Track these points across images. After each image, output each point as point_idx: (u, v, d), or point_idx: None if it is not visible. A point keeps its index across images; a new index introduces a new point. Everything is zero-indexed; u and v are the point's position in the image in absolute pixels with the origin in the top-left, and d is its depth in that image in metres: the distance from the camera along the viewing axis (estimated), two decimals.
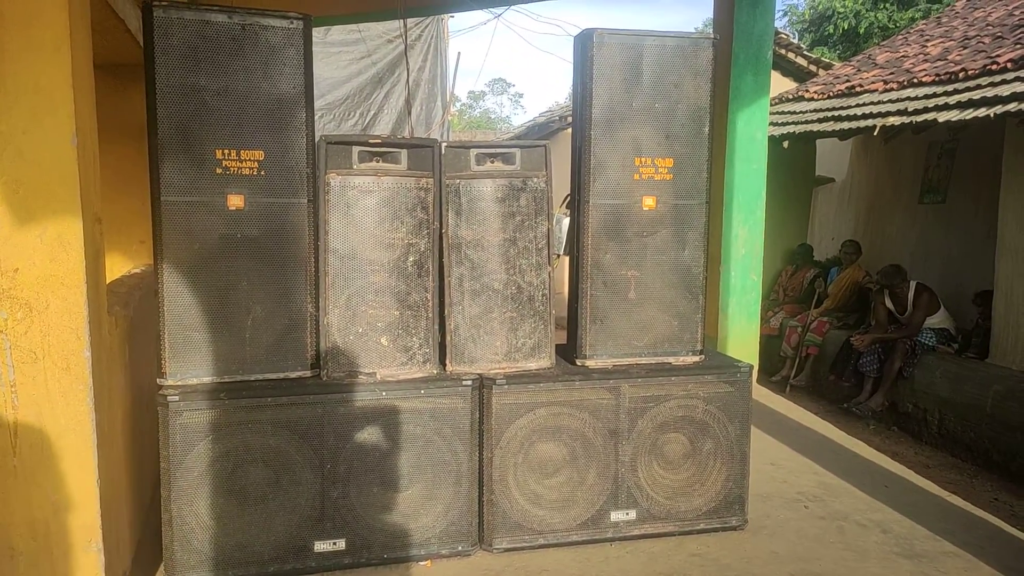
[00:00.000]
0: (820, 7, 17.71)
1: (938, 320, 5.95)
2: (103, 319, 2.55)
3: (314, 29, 2.85)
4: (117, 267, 4.22)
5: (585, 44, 3.10)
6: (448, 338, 3.07)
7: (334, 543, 2.90)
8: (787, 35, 11.49)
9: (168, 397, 2.71)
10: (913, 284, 6.06)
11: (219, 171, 2.74)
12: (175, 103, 2.68)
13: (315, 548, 2.89)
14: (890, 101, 6.49)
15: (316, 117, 2.93)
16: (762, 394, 5.77)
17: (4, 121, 2.20)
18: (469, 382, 3.01)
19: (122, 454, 2.80)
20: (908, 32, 9.42)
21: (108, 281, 2.85)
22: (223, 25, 2.70)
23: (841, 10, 16.86)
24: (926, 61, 7.11)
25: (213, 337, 2.80)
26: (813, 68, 10.84)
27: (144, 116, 2.69)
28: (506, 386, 3.03)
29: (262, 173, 2.80)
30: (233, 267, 2.80)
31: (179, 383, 2.77)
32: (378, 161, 2.96)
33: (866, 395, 5.99)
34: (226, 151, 2.74)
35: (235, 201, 2.77)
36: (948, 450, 5.21)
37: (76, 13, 2.28)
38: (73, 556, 2.38)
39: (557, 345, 3.26)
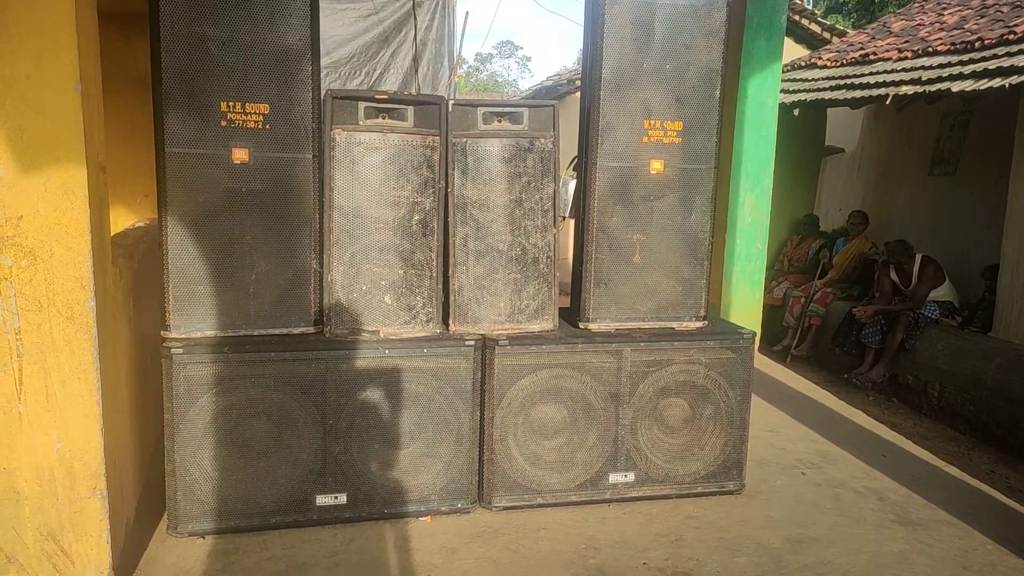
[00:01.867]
0: None
1: (942, 293, 5.93)
2: (107, 269, 2.55)
3: None
4: (121, 220, 4.21)
5: (597, 2, 3.04)
6: (451, 298, 3.07)
7: (335, 497, 2.94)
8: (801, 1, 11.27)
9: (172, 350, 2.72)
10: (919, 256, 6.03)
11: (224, 123, 2.72)
12: (180, 53, 2.64)
13: (317, 501, 2.92)
14: (904, 70, 6.39)
15: (322, 75, 2.89)
16: (763, 363, 5.79)
17: (7, 66, 2.17)
18: (472, 342, 3.02)
19: (126, 404, 2.82)
20: (925, 0, 9.24)
21: (112, 234, 2.84)
22: None
23: None
24: (942, 30, 6.99)
25: (217, 291, 2.80)
26: (827, 35, 10.66)
27: (148, 67, 2.66)
28: (508, 347, 3.04)
29: (267, 127, 2.77)
30: (237, 221, 2.79)
31: (183, 336, 2.78)
32: (384, 117, 2.93)
33: (867, 366, 6.00)
34: (231, 103, 2.71)
35: (240, 154, 2.75)
36: (947, 422, 5.23)
37: None
38: (77, 502, 2.41)
39: (560, 308, 3.25)
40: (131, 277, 2.97)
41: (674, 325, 3.27)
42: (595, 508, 3.18)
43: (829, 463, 3.78)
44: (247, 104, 2.73)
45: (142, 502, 3.03)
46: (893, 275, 6.17)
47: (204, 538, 2.82)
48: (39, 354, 2.32)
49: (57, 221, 2.28)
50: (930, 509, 3.30)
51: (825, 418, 4.54)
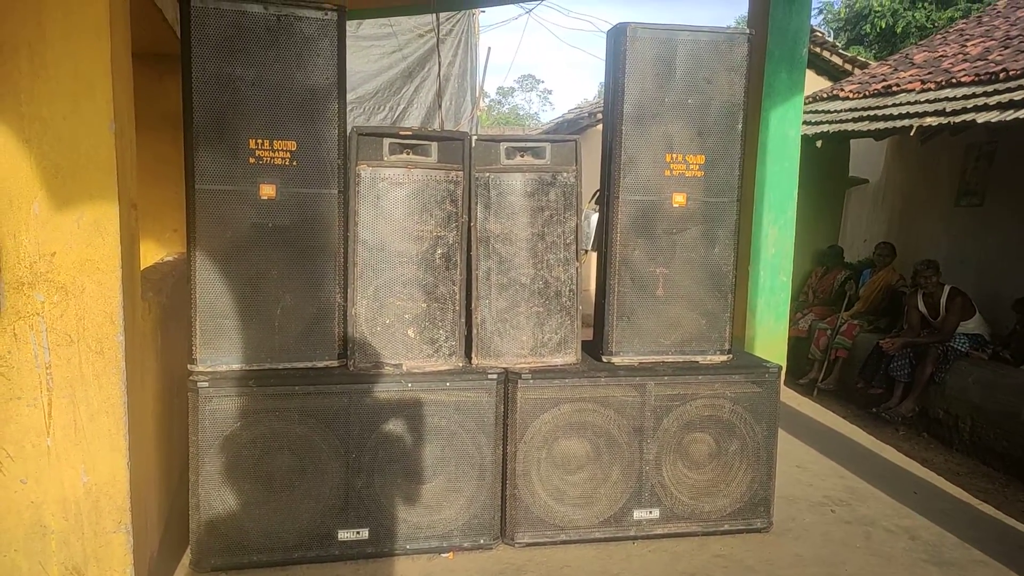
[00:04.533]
0: (857, 6, 17.43)
1: (972, 325, 5.83)
2: (137, 304, 2.59)
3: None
4: (150, 254, 4.28)
5: (618, 38, 3.08)
6: (474, 331, 3.08)
7: (357, 532, 2.92)
8: (822, 33, 11.31)
9: (198, 383, 2.74)
10: (947, 288, 5.95)
11: (252, 160, 2.77)
12: (210, 93, 2.71)
13: (339, 537, 2.91)
14: (927, 101, 6.37)
15: (347, 110, 2.94)
16: (789, 396, 5.71)
17: (45, 107, 2.24)
18: (494, 376, 3.01)
19: (152, 438, 2.84)
20: (947, 31, 9.23)
21: (142, 268, 2.89)
22: (258, 16, 2.72)
23: (878, 9, 16.58)
24: (965, 61, 6.97)
25: (243, 325, 2.83)
26: (848, 67, 10.67)
27: (180, 106, 2.72)
28: (531, 381, 3.03)
29: (294, 163, 2.82)
30: (264, 256, 2.83)
31: (209, 369, 2.81)
32: (408, 153, 2.97)
33: (896, 400, 5.89)
34: (259, 141, 2.77)
35: (267, 190, 2.80)
36: (980, 458, 5.10)
37: (116, 1, 2.31)
38: (103, 536, 2.42)
39: (583, 341, 3.24)
40: (159, 311, 3.01)
41: (698, 359, 3.25)
42: (619, 545, 3.14)
43: (859, 500, 3.70)
44: (275, 141, 2.79)
45: (165, 535, 3.04)
46: (922, 307, 6.08)
47: (227, 573, 2.81)
48: (68, 388, 2.35)
49: (89, 257, 2.32)
50: (964, 549, 3.21)
51: (854, 453, 4.45)
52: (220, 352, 2.83)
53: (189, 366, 2.81)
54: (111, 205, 2.32)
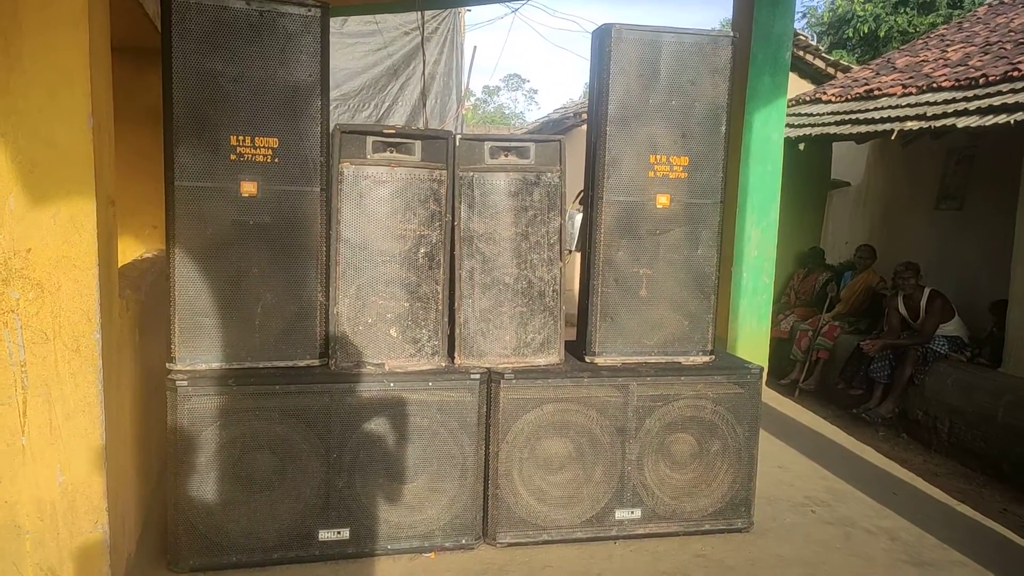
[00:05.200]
0: (840, 10, 17.57)
1: (952, 328, 5.88)
2: (114, 302, 2.55)
3: (331, 19, 2.84)
4: (130, 251, 4.23)
5: (603, 39, 3.08)
6: (457, 331, 3.06)
7: (338, 532, 2.90)
8: (805, 37, 11.37)
9: (177, 382, 2.71)
10: (927, 290, 6.00)
11: (233, 157, 2.74)
12: (191, 88, 2.68)
13: (319, 537, 2.89)
14: (908, 105, 6.42)
15: (331, 107, 2.92)
16: (771, 397, 5.74)
17: (21, 99, 2.20)
18: (477, 376, 3.00)
19: (129, 437, 2.81)
20: (928, 37, 9.33)
21: (120, 265, 2.85)
22: (241, 11, 2.69)
23: (861, 14, 16.71)
24: (946, 66, 7.04)
25: (223, 323, 2.80)
26: (831, 71, 10.74)
27: (160, 101, 2.69)
28: (514, 381, 3.02)
29: (276, 160, 2.79)
30: (245, 254, 2.80)
31: (188, 368, 2.77)
32: (392, 152, 2.95)
33: (876, 401, 5.93)
34: (241, 137, 2.74)
35: (248, 187, 2.77)
36: (958, 459, 5.15)
37: None
38: (79, 536, 2.39)
39: (567, 341, 3.24)
40: (138, 308, 2.97)
41: (681, 359, 3.25)
42: (601, 545, 3.14)
43: (839, 501, 3.73)
44: (257, 138, 2.76)
45: (143, 536, 3.00)
46: (902, 309, 6.13)
47: (205, 574, 2.78)
48: (44, 387, 2.31)
49: (65, 254, 2.29)
50: (943, 549, 3.24)
51: (834, 454, 4.48)
52: (199, 351, 2.79)
53: (168, 364, 2.78)
54: (88, 201, 2.29)
